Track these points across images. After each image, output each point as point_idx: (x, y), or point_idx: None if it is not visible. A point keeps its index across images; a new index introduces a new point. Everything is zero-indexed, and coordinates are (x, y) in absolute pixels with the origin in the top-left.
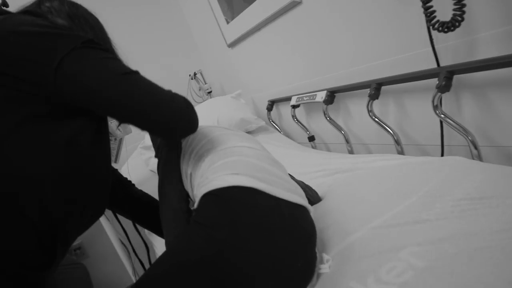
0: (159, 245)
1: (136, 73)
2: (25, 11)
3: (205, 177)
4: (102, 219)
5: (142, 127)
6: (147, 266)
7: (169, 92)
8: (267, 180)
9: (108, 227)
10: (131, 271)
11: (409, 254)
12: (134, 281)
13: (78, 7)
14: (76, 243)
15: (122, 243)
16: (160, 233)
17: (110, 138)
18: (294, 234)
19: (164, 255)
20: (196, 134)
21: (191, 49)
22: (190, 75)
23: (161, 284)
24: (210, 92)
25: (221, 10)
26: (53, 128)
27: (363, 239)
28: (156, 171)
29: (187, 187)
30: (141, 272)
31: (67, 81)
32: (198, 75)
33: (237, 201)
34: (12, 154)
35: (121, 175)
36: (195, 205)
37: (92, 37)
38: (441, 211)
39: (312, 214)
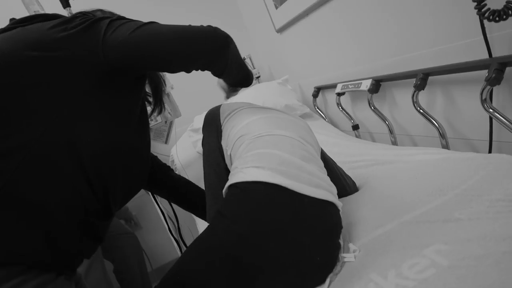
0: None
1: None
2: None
3: (235, 167)
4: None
5: (193, 63)
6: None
7: (211, 27)
8: (294, 175)
9: (156, 206)
10: (175, 244)
11: (434, 252)
12: (178, 253)
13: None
14: (133, 214)
15: (170, 219)
16: (192, 210)
17: (161, 120)
18: (314, 230)
19: (192, 243)
20: (236, 115)
21: (241, 34)
22: None
23: (188, 269)
24: (259, 77)
25: None
26: (102, 106)
27: (391, 233)
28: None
29: (229, 166)
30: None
31: (116, 46)
32: (247, 60)
33: (259, 197)
34: (80, 122)
35: (160, 161)
36: (223, 191)
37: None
38: (475, 210)
39: (340, 208)
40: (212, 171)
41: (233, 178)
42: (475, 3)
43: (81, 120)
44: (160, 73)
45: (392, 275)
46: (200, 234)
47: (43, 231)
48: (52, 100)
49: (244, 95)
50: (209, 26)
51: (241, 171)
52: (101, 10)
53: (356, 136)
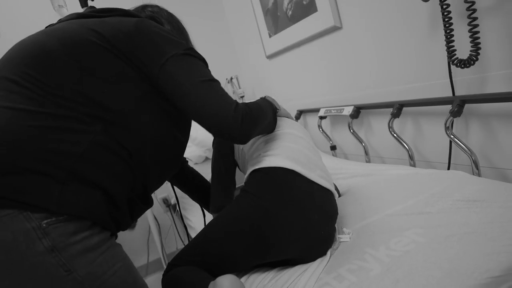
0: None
1: (215, 81)
2: (150, 17)
3: (258, 155)
4: None
5: (201, 124)
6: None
7: (233, 103)
8: (307, 166)
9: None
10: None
11: (413, 233)
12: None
13: (172, 15)
14: None
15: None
16: (200, 201)
17: None
18: (320, 211)
19: (215, 218)
20: None
21: (231, 55)
22: (227, 79)
23: (216, 236)
24: (243, 97)
25: (266, 25)
26: (159, 104)
27: (378, 221)
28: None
29: (237, 159)
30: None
31: (165, 76)
32: (234, 80)
33: (280, 179)
34: (134, 120)
35: None
36: (245, 177)
37: (190, 45)
38: (441, 207)
39: (336, 198)
40: (222, 163)
41: (255, 165)
42: (447, 53)
43: (144, 114)
44: None
45: (382, 248)
46: (223, 211)
47: (105, 196)
48: (122, 96)
49: None
50: (235, 108)
51: (263, 159)
52: (158, 7)
53: (333, 155)
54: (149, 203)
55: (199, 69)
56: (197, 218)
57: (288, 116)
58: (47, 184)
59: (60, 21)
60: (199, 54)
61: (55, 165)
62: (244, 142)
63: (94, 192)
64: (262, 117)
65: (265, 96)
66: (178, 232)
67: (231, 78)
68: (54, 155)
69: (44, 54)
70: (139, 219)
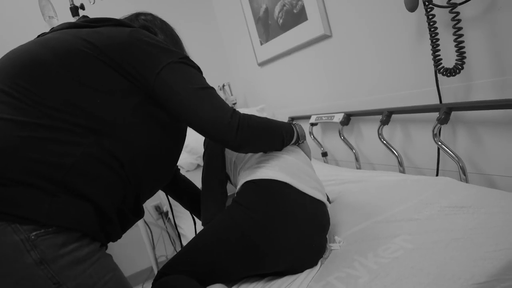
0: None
1: (211, 88)
2: (143, 26)
3: (250, 166)
4: None
5: (198, 130)
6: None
7: (230, 110)
8: (300, 177)
9: None
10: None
11: (401, 240)
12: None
13: (165, 23)
14: None
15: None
16: (191, 210)
17: None
18: (313, 222)
19: (206, 227)
20: None
21: (223, 62)
22: (219, 86)
23: (206, 247)
24: (235, 103)
25: (257, 33)
26: (153, 115)
27: (366, 229)
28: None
29: (229, 172)
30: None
31: (161, 85)
32: (226, 87)
33: (273, 191)
34: (127, 131)
35: None
36: (237, 189)
37: (185, 54)
38: (429, 213)
39: (329, 209)
40: (214, 176)
41: (248, 176)
42: (433, 61)
43: (137, 125)
44: None
45: (371, 255)
46: (213, 221)
47: (96, 207)
48: (115, 106)
49: None
50: (232, 114)
51: (256, 170)
52: (151, 15)
53: (324, 162)
54: (140, 215)
55: (194, 76)
56: (188, 226)
57: (307, 154)
58: (36, 196)
59: (52, 30)
60: (193, 62)
61: (45, 177)
62: (238, 148)
63: (84, 203)
64: (266, 132)
65: (295, 123)
66: (171, 240)
67: (223, 85)
68: (43, 166)
69: (36, 64)
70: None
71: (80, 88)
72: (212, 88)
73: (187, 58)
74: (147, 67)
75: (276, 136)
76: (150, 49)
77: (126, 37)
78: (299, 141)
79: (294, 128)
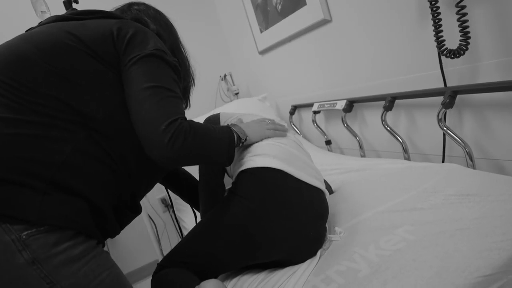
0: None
1: (161, 88)
2: (134, 16)
3: (244, 157)
4: None
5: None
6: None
7: (172, 116)
8: (294, 164)
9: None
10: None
11: (404, 231)
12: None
13: (159, 12)
14: None
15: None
16: (190, 202)
17: None
18: (309, 211)
19: (203, 219)
20: (236, 121)
21: (224, 52)
22: (220, 76)
23: (203, 238)
24: (237, 93)
25: (257, 20)
26: None
27: (368, 219)
28: None
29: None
30: None
31: (124, 78)
32: (228, 77)
33: (268, 179)
34: (116, 126)
35: None
36: (233, 179)
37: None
38: (433, 202)
39: (327, 197)
40: (210, 169)
41: (243, 166)
42: (436, 43)
43: (126, 119)
44: (191, 74)
45: (372, 248)
46: (210, 212)
47: (90, 204)
48: (103, 101)
49: (225, 108)
50: (169, 124)
51: (250, 159)
52: (145, 4)
53: (328, 150)
54: (137, 211)
55: (156, 73)
56: (189, 219)
57: (256, 134)
58: (27, 195)
59: (40, 24)
60: (168, 56)
61: (35, 175)
62: (168, 165)
63: (78, 200)
64: (206, 150)
65: (231, 124)
66: (178, 232)
67: (225, 75)
68: (33, 164)
69: (19, 60)
70: (135, 220)
71: (66, 83)
72: (165, 88)
73: (159, 50)
74: (121, 60)
75: (221, 150)
76: (129, 41)
77: (110, 30)
78: (241, 141)
79: (235, 134)
